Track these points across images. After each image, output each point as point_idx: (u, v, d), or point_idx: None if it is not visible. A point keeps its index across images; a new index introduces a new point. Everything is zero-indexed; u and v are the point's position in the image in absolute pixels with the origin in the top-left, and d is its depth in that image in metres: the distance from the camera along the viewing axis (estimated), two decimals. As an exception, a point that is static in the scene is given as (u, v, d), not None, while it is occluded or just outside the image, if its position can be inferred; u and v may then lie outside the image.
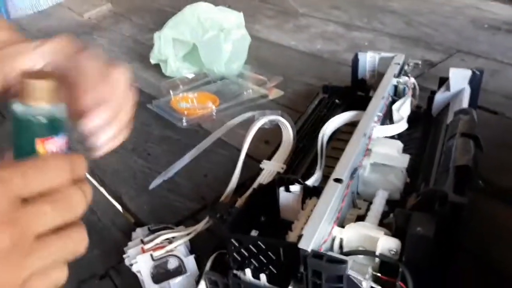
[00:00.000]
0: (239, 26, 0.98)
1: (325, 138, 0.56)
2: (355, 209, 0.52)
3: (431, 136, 0.62)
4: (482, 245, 0.55)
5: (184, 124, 0.83)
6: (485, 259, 0.53)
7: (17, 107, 0.29)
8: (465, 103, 0.60)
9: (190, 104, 0.88)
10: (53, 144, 0.30)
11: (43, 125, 0.29)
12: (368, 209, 0.51)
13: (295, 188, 0.49)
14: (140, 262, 0.51)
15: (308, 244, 0.39)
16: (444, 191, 0.41)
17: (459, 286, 0.45)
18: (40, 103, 0.29)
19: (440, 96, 0.64)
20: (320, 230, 0.41)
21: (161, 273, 0.50)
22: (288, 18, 1.32)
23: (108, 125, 0.35)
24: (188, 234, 0.55)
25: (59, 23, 1.49)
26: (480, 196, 0.61)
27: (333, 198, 0.44)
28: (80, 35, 1.34)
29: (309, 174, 0.56)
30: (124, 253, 0.55)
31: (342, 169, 0.47)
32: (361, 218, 0.49)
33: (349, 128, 0.66)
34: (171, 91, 0.91)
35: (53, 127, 0.30)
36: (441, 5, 1.36)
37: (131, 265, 0.52)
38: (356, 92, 0.74)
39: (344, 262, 0.38)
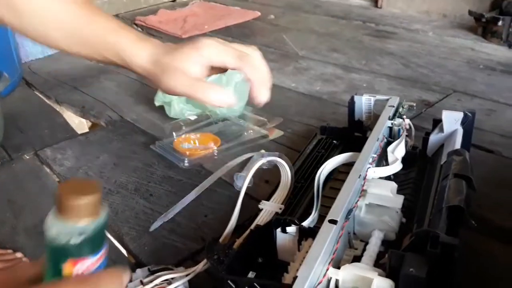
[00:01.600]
0: (241, 69, 1.01)
1: (322, 179, 0.58)
2: (352, 249, 0.53)
3: (426, 176, 0.63)
4: (481, 285, 0.55)
5: (186, 164, 0.85)
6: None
7: (52, 224, 0.27)
8: (458, 144, 0.61)
9: (192, 145, 0.90)
10: (84, 265, 0.27)
11: (78, 245, 0.27)
12: (364, 249, 0.52)
13: (292, 229, 0.50)
14: (139, 304, 0.51)
15: (303, 286, 0.40)
16: (436, 232, 0.42)
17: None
18: (79, 221, 0.26)
19: (434, 138, 0.66)
20: (315, 272, 0.42)
21: (160, 315, 0.51)
22: (289, 61, 1.37)
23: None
24: (187, 275, 0.56)
25: (68, 66, 1.54)
26: (476, 235, 0.61)
27: (327, 239, 0.45)
28: (88, 78, 1.39)
29: (306, 214, 0.57)
30: (124, 294, 0.56)
31: (337, 210, 0.48)
32: (357, 258, 0.50)
33: (347, 168, 0.67)
34: (173, 133, 0.94)
35: (90, 246, 0.27)
36: (437, 46, 1.41)
37: (131, 307, 0.52)
38: (353, 133, 0.76)
39: (337, 304, 0.38)
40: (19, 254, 0.66)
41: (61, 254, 0.27)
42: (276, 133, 0.93)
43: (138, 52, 0.47)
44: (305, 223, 0.51)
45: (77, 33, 0.48)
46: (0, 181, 0.88)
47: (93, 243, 0.27)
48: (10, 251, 0.67)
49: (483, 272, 0.56)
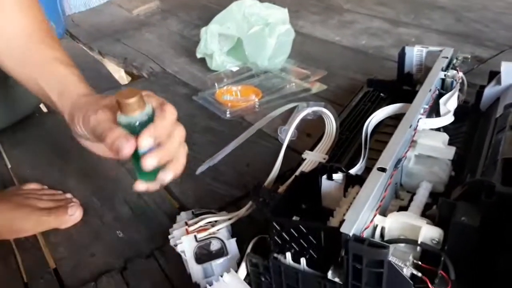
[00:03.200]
0: (284, 22, 0.99)
1: (370, 129, 0.56)
2: (398, 200, 0.52)
3: (478, 130, 0.60)
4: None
5: (228, 115, 0.85)
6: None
7: (121, 120, 0.43)
8: (516, 97, 0.58)
9: (233, 97, 0.90)
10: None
11: (139, 125, 0.43)
12: (411, 200, 0.50)
13: (338, 176, 0.49)
14: (185, 243, 0.53)
15: (350, 228, 0.39)
16: (492, 182, 0.40)
17: (500, 282, 0.44)
18: (134, 113, 0.42)
19: (490, 90, 0.62)
20: (362, 217, 0.41)
21: (204, 254, 0.52)
22: (332, 14, 1.32)
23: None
24: (230, 219, 0.57)
25: (110, 19, 1.55)
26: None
27: (376, 186, 0.44)
28: (129, 31, 1.40)
29: (351, 165, 0.56)
30: (168, 235, 0.58)
31: (386, 159, 0.47)
32: (403, 209, 0.49)
33: (393, 122, 0.65)
34: (216, 84, 0.93)
35: (145, 124, 0.43)
36: (493, 0, 1.32)
37: (176, 245, 0.54)
38: (402, 86, 0.74)
39: (385, 247, 0.38)
40: (68, 195, 0.69)
41: (132, 134, 0.43)
42: (319, 87, 0.91)
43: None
44: (352, 171, 0.50)
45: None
46: (48, 128, 0.91)
47: (148, 121, 0.43)
48: (60, 192, 0.70)
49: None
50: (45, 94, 0.54)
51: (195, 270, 0.51)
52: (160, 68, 1.13)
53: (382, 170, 0.46)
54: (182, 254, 0.53)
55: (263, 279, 0.49)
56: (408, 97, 0.62)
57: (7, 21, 0.57)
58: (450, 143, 0.56)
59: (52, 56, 0.56)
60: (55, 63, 0.55)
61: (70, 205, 0.65)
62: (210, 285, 0.46)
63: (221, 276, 0.47)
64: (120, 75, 1.23)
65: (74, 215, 0.64)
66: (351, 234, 0.39)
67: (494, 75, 0.64)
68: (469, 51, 1.03)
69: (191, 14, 1.51)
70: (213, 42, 0.99)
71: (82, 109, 0.48)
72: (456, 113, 0.62)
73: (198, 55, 1.05)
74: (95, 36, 1.39)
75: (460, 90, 0.66)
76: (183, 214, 0.61)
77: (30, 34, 0.58)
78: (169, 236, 0.56)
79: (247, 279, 0.50)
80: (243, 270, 0.49)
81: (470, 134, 0.61)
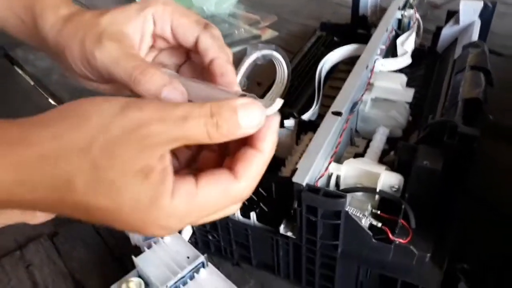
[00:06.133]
0: (231, -38, 0.91)
1: (324, 72, 0.52)
2: (353, 147, 0.49)
3: (435, 72, 0.58)
4: (484, 186, 0.52)
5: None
6: (488, 200, 0.50)
7: None
8: (475, 37, 0.55)
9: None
10: None
11: None
12: (366, 147, 0.47)
13: (290, 122, 0.45)
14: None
15: (303, 178, 0.35)
16: (454, 122, 0.37)
17: (460, 227, 0.42)
18: None
19: (448, 31, 0.59)
20: (316, 165, 0.37)
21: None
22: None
23: None
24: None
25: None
26: (482, 137, 0.58)
27: (331, 131, 0.40)
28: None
29: (303, 112, 0.51)
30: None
31: (342, 102, 0.43)
32: (359, 156, 0.46)
33: (347, 67, 0.61)
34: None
35: None
36: None
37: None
38: (356, 30, 0.69)
39: (342, 196, 0.34)
40: None
41: None
42: (270, 33, 0.85)
43: (55, 12, 0.33)
44: (305, 117, 0.45)
45: None
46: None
47: None
48: None
49: (486, 173, 0.53)
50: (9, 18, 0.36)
51: (134, 232, 0.45)
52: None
53: (337, 114, 0.41)
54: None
55: (210, 237, 0.45)
56: (363, 41, 0.58)
57: None
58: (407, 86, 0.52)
59: None
60: None
61: None
62: (149, 248, 0.41)
63: (162, 238, 0.42)
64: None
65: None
66: (304, 184, 0.35)
67: (452, 15, 0.61)
68: (423, -4, 1.00)
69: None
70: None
71: (73, 36, 0.31)
72: (412, 56, 0.58)
73: None
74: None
75: (416, 34, 0.62)
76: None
77: None
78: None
79: (193, 238, 0.45)
80: (187, 230, 0.45)
81: (427, 77, 0.58)
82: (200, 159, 0.28)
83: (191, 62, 0.34)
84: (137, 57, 0.29)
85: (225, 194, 0.24)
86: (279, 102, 0.24)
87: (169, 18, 0.31)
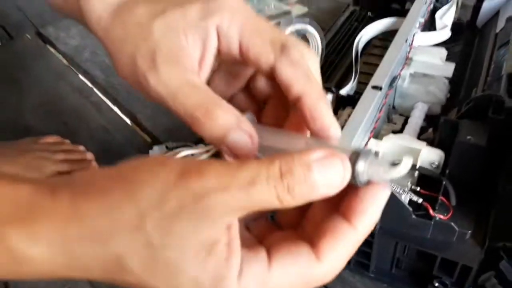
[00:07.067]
0: None
1: (361, 46, 0.51)
2: (390, 124, 0.48)
3: (475, 48, 0.56)
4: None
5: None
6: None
7: None
8: (518, 10, 0.53)
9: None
10: None
11: None
12: (404, 124, 0.46)
13: (328, 97, 0.44)
14: (158, 178, 0.48)
15: (343, 154, 0.35)
16: (500, 96, 0.36)
17: (503, 204, 0.41)
18: None
19: (489, 3, 0.57)
20: (357, 139, 0.37)
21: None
22: None
23: None
24: (208, 151, 0.52)
25: None
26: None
27: (371, 106, 0.39)
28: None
29: (340, 87, 0.51)
30: (141, 170, 0.53)
31: (381, 77, 0.42)
32: (396, 133, 0.45)
33: (382, 43, 0.60)
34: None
35: None
36: None
37: (149, 181, 0.49)
38: (391, 4, 0.67)
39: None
40: (89, 155, 0.57)
41: None
42: (299, 9, 0.84)
43: None
44: (343, 91, 0.45)
45: None
46: (2, 62, 0.82)
47: None
48: (81, 148, 0.58)
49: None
50: None
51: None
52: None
53: (377, 88, 0.41)
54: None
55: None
56: (397, 15, 0.56)
57: None
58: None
59: None
60: None
61: None
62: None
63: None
64: None
65: None
66: (345, 159, 0.35)
67: (494, -13, 0.58)
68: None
69: None
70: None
71: (122, 44, 0.26)
72: (451, 31, 0.57)
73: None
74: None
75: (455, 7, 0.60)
76: (155, 148, 0.55)
77: None
78: (141, 172, 0.51)
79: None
80: None
81: (466, 53, 0.57)
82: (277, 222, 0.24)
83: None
84: (199, 89, 0.24)
85: (303, 279, 0.20)
86: (408, 163, 0.19)
87: (238, 33, 0.25)
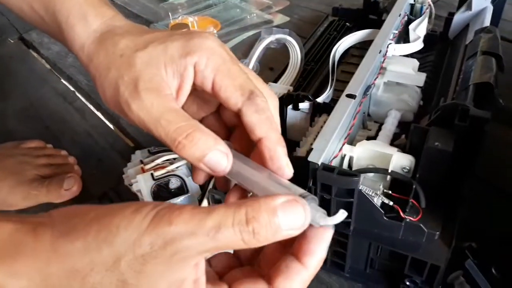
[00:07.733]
0: None
1: (338, 55, 0.53)
2: (365, 130, 0.50)
3: (447, 58, 0.58)
4: (492, 170, 0.53)
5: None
6: (496, 183, 0.51)
7: None
8: (487, 23, 0.55)
9: (190, 29, 0.83)
10: None
11: None
12: (378, 130, 0.48)
13: (305, 105, 0.46)
14: (141, 182, 0.49)
15: (318, 157, 0.37)
16: (465, 105, 0.38)
17: (468, 207, 0.44)
18: None
19: (460, 17, 0.60)
20: (331, 145, 0.39)
21: (163, 192, 0.48)
22: None
23: None
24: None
25: None
26: (492, 121, 0.58)
27: (345, 113, 0.41)
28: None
29: (317, 95, 0.52)
30: (123, 174, 0.53)
31: (356, 85, 0.44)
32: (371, 139, 0.47)
33: (359, 52, 0.62)
34: (170, 15, 0.86)
35: None
36: None
37: (131, 184, 0.50)
38: (368, 15, 0.70)
39: (356, 175, 0.36)
40: (71, 159, 0.59)
41: None
42: (281, 18, 0.86)
43: (85, 25, 0.29)
44: (320, 99, 0.47)
45: None
46: (-16, 65, 0.82)
47: None
48: (63, 152, 0.59)
49: (494, 157, 0.54)
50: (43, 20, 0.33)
51: (152, 209, 0.47)
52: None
53: (351, 96, 0.43)
54: (138, 194, 0.49)
55: None
56: (374, 26, 0.59)
57: None
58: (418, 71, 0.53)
59: None
60: None
61: (67, 176, 0.54)
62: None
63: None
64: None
65: (70, 189, 0.53)
66: (319, 163, 0.36)
67: (464, 1, 0.61)
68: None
69: None
70: (165, -31, 0.90)
71: (106, 72, 0.28)
72: (423, 42, 0.59)
73: (149, -16, 0.96)
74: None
75: (428, 19, 0.63)
76: (138, 153, 0.56)
77: None
78: (124, 175, 0.52)
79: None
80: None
81: (438, 63, 0.59)
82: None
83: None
84: (180, 115, 0.26)
85: None
86: (342, 215, 0.22)
87: (212, 73, 0.27)
